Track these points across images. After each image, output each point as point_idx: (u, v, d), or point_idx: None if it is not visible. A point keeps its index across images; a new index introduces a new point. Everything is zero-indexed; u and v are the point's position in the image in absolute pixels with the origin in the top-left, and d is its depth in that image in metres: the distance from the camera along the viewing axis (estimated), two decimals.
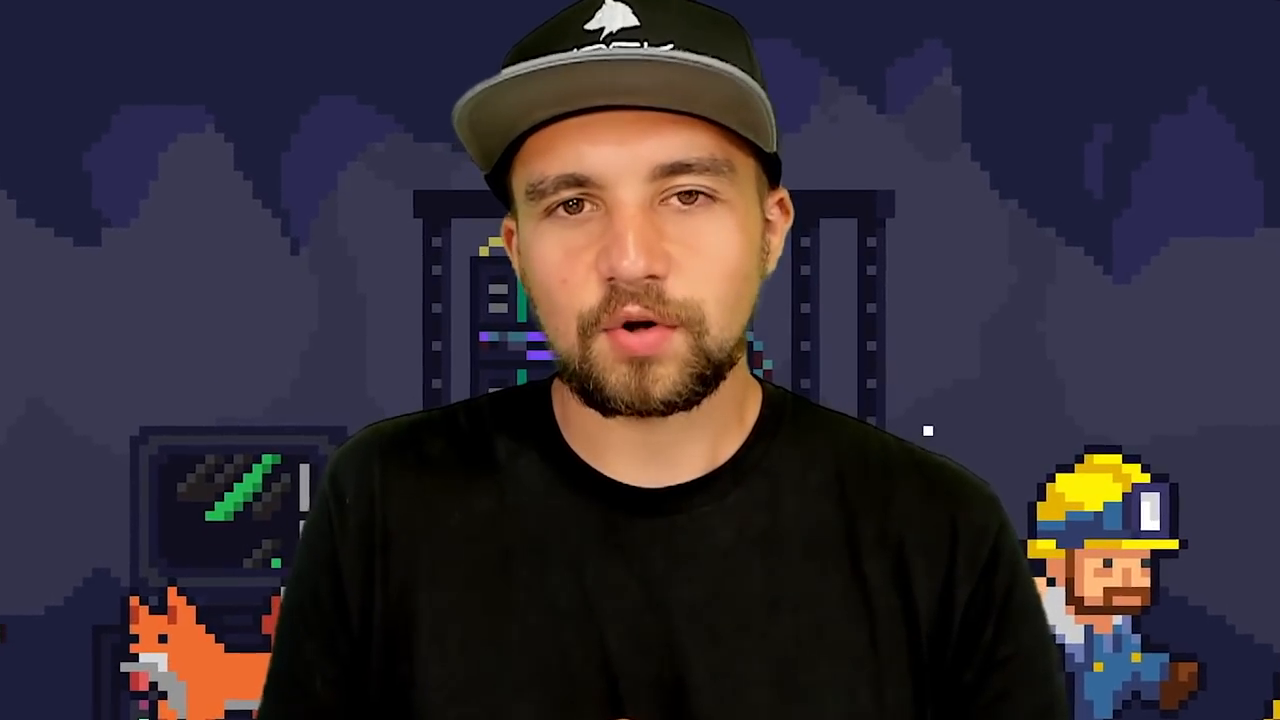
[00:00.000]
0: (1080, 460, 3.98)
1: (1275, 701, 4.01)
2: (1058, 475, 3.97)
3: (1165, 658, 3.97)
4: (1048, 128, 4.20)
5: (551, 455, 1.42)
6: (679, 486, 1.40)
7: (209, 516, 4.00)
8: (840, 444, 1.45)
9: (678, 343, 1.33)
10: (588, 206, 1.34)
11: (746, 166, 1.37)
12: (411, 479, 1.43)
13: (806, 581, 1.39)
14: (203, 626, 3.93)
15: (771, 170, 1.41)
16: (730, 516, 1.40)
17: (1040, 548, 3.96)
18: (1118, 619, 3.95)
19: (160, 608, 3.94)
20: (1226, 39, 4.18)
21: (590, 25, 1.34)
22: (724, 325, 1.35)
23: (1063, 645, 3.95)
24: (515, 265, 1.42)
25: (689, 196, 1.34)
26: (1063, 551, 3.96)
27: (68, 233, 4.23)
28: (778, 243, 1.43)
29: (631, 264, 1.31)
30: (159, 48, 4.19)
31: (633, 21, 1.34)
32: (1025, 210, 4.23)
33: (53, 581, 4.18)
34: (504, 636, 1.38)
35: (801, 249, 4.08)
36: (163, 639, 3.92)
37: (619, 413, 1.35)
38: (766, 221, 1.41)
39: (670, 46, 1.33)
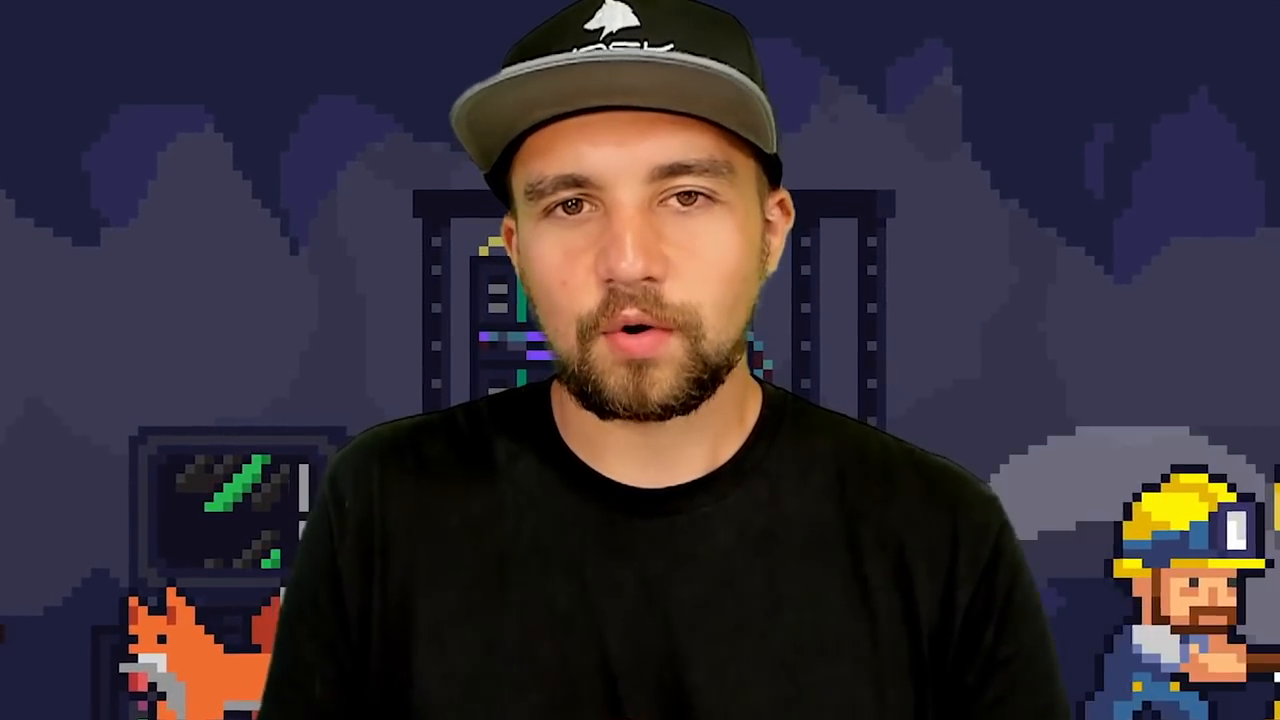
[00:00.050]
0: (1166, 480, 3.98)
1: (1276, 703, 4.02)
2: (1144, 494, 3.97)
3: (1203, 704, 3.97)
4: (1048, 127, 4.20)
5: (551, 456, 1.42)
6: (679, 487, 1.40)
7: (208, 508, 4.00)
8: (840, 445, 1.44)
9: (674, 346, 1.33)
10: (586, 207, 1.34)
11: (746, 167, 1.37)
12: (410, 481, 1.43)
13: (807, 582, 1.39)
14: (202, 627, 3.93)
15: (772, 171, 1.41)
16: (730, 517, 1.39)
17: (1126, 567, 3.97)
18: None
19: (159, 608, 3.94)
20: (1227, 39, 4.18)
21: (590, 25, 1.34)
22: (721, 329, 1.34)
23: (1157, 664, 3.96)
24: (515, 264, 1.41)
25: (688, 198, 1.34)
26: (1149, 571, 3.96)
27: (67, 232, 4.23)
28: (778, 244, 1.42)
29: (629, 265, 1.31)
30: (158, 47, 4.20)
31: (633, 21, 1.34)
32: (1026, 210, 4.23)
33: (52, 582, 4.18)
34: (503, 638, 1.38)
35: (802, 249, 4.08)
36: (162, 639, 3.92)
37: (617, 415, 1.35)
38: (767, 222, 1.40)
39: (670, 47, 1.32)
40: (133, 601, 3.94)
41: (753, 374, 1.46)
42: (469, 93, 1.31)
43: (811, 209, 3.87)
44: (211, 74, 4.21)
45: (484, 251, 4.08)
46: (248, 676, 3.89)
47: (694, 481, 1.40)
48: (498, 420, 1.45)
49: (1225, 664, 3.97)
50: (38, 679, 4.15)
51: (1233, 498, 3.96)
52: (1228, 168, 4.21)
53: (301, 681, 1.43)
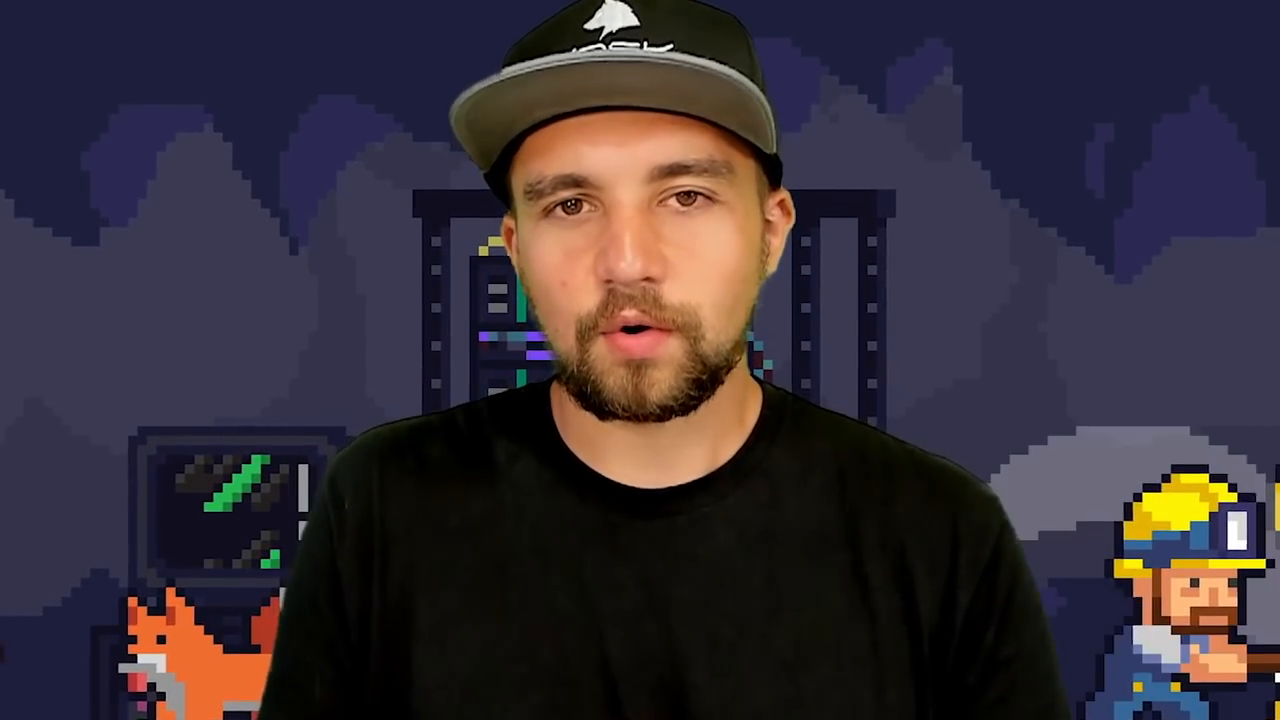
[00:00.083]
0: (1167, 480, 3.97)
1: (1277, 703, 4.02)
2: (1145, 495, 3.97)
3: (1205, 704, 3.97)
4: (1049, 127, 4.20)
5: (551, 457, 1.42)
6: (679, 487, 1.40)
7: (207, 508, 3.99)
8: (841, 445, 1.44)
9: (673, 347, 1.33)
10: (586, 207, 1.33)
11: (746, 168, 1.37)
12: (410, 482, 1.43)
13: (807, 582, 1.39)
14: (201, 627, 3.93)
15: (772, 171, 1.41)
16: (730, 517, 1.39)
17: (1127, 567, 3.97)
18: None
19: (159, 608, 3.93)
20: (1228, 38, 4.18)
21: (590, 25, 1.34)
22: (720, 329, 1.34)
23: (1158, 664, 3.96)
24: (515, 264, 1.41)
25: (687, 198, 1.33)
26: (1149, 571, 3.96)
27: (66, 232, 4.23)
28: (778, 244, 1.43)
29: (628, 266, 1.31)
30: (158, 47, 4.19)
31: (632, 21, 1.34)
32: (1026, 210, 4.23)
33: (51, 582, 4.18)
34: (503, 638, 1.38)
35: (802, 249, 4.08)
36: (161, 640, 3.92)
37: (616, 416, 1.35)
38: (767, 222, 1.40)
39: (670, 47, 1.32)
40: (132, 602, 3.94)
41: (753, 374, 1.46)
42: (468, 92, 1.31)
43: (812, 209, 3.86)
44: (211, 74, 4.21)
45: (484, 251, 4.07)
46: (247, 677, 3.89)
47: (694, 482, 1.40)
48: (497, 421, 1.45)
49: (1226, 664, 3.96)
50: (37, 680, 4.15)
51: (1233, 498, 3.96)
52: (1228, 168, 4.20)
53: (301, 682, 1.43)
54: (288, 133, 4.25)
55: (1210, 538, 3.95)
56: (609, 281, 1.32)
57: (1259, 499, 3.98)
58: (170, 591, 3.93)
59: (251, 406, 4.17)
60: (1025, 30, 4.20)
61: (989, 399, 4.21)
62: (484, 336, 4.07)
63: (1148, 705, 3.96)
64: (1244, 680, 3.97)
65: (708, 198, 1.34)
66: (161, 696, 3.93)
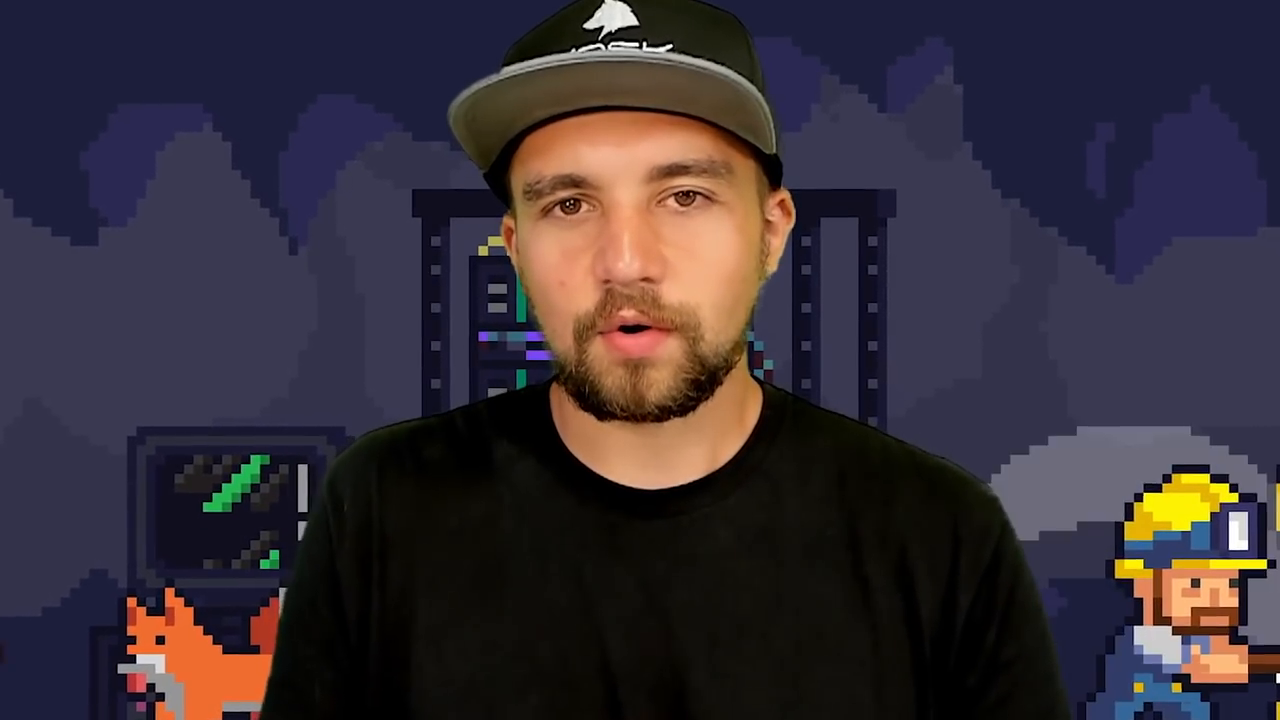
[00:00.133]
0: (1168, 480, 3.97)
1: (1278, 704, 4.02)
2: (1146, 495, 3.97)
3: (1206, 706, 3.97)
4: (1050, 127, 4.20)
5: (550, 458, 1.42)
6: (679, 488, 1.40)
7: (207, 508, 3.99)
8: (841, 446, 1.44)
9: (672, 347, 1.33)
10: (585, 207, 1.33)
11: (746, 168, 1.36)
12: (409, 485, 1.43)
13: (807, 583, 1.38)
14: (200, 628, 3.93)
15: (772, 171, 1.40)
16: (730, 518, 1.39)
17: (1128, 567, 3.97)
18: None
19: (158, 609, 3.93)
20: (1229, 38, 4.18)
21: (589, 24, 1.34)
22: (720, 330, 1.34)
23: (1159, 665, 3.96)
24: (515, 263, 1.41)
25: (686, 198, 1.33)
26: (1150, 571, 3.95)
27: (65, 232, 4.23)
28: (778, 244, 1.42)
29: (626, 266, 1.30)
30: (157, 46, 4.19)
31: (632, 21, 1.33)
32: (1027, 209, 4.23)
33: (50, 583, 4.18)
34: (502, 640, 1.38)
35: (802, 248, 4.08)
36: (160, 640, 3.91)
37: (614, 416, 1.34)
38: (767, 223, 1.40)
39: (669, 47, 1.32)
40: (131, 602, 3.94)
41: (753, 374, 1.46)
42: (467, 92, 1.30)
43: (812, 208, 3.86)
44: (210, 73, 4.21)
45: (483, 251, 4.07)
46: (246, 677, 3.89)
47: (694, 482, 1.40)
48: (497, 423, 1.45)
49: (1227, 665, 3.96)
50: (36, 680, 4.14)
51: (1234, 498, 3.95)
52: (1229, 167, 4.20)
53: (301, 685, 1.43)
54: (287, 132, 4.25)
55: (1211, 538, 3.94)
56: (607, 282, 1.31)
57: (1260, 499, 3.98)
58: (169, 592, 3.93)
59: (251, 406, 4.17)
60: (1026, 30, 4.20)
61: (989, 399, 4.21)
62: (484, 336, 4.07)
63: (1149, 706, 3.96)
64: (1245, 681, 3.97)
65: (707, 198, 1.33)
66: (160, 697, 3.93)
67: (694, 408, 1.35)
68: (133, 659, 3.93)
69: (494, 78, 1.30)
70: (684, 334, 1.33)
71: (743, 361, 1.41)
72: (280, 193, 4.27)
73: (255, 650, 3.92)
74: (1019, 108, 4.20)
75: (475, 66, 1.36)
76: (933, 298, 4.18)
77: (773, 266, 1.42)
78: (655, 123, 1.32)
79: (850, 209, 4.07)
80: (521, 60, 1.30)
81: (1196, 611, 3.95)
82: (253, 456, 4.01)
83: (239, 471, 4.01)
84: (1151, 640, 3.96)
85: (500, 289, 4.05)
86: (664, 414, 1.34)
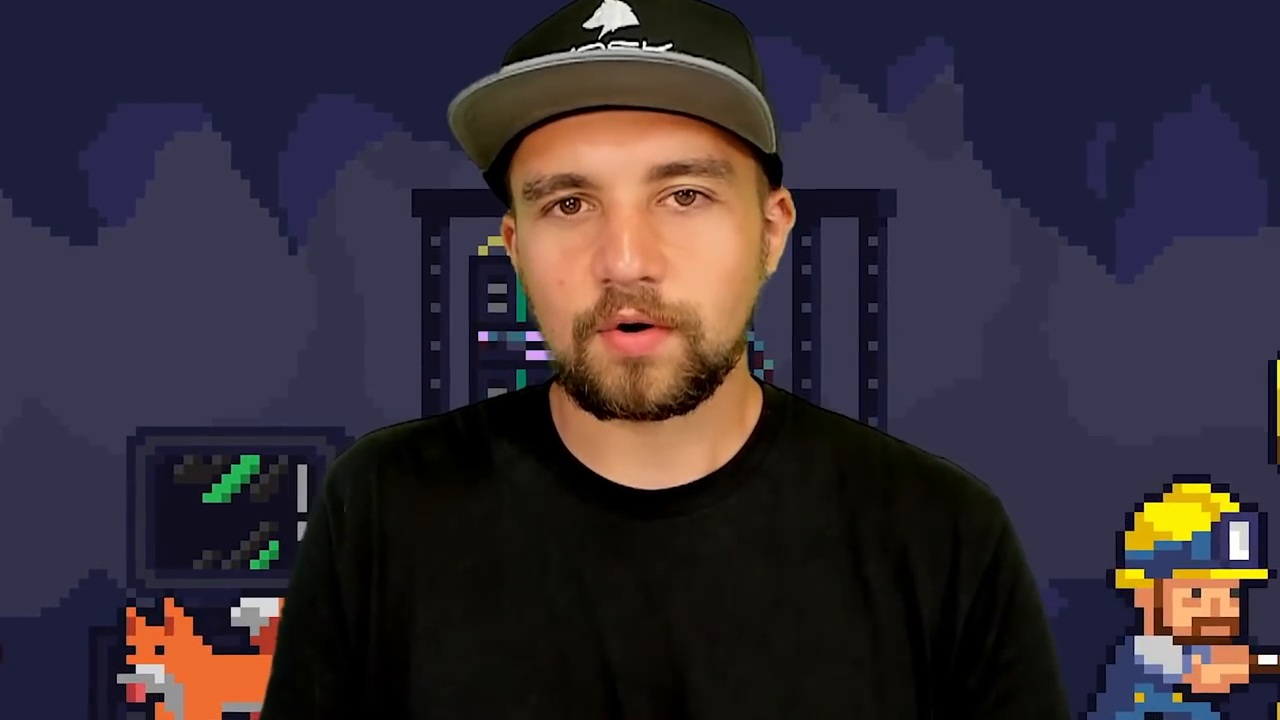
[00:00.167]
0: (1169, 490, 3.97)
1: (1278, 704, 4.01)
2: (1146, 505, 3.97)
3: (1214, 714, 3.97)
4: (1050, 126, 4.19)
5: (550, 458, 1.42)
6: (679, 488, 1.39)
7: (206, 499, 3.99)
8: (841, 446, 1.44)
9: (673, 346, 1.33)
10: (584, 206, 1.33)
11: (746, 167, 1.36)
12: (409, 486, 1.42)
13: (807, 584, 1.38)
14: (200, 638, 3.92)
15: (772, 171, 1.40)
16: (731, 519, 1.39)
17: (1129, 577, 3.96)
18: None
19: (157, 618, 3.93)
20: (1230, 37, 4.18)
21: (589, 24, 1.33)
22: (721, 329, 1.34)
23: (1160, 675, 3.95)
24: (514, 263, 1.41)
25: (686, 197, 1.33)
26: (1151, 581, 3.95)
27: (64, 232, 4.23)
28: (778, 244, 1.42)
29: (626, 266, 1.30)
30: (156, 46, 4.19)
31: (631, 20, 1.33)
32: (1028, 209, 4.23)
33: (49, 583, 4.17)
34: (502, 640, 1.37)
35: (802, 248, 4.08)
36: (159, 650, 3.91)
37: (614, 415, 1.34)
38: (767, 222, 1.40)
39: (669, 46, 1.32)
40: (130, 612, 3.94)
41: (753, 374, 1.45)
42: (466, 91, 1.30)
43: (812, 208, 3.86)
44: (210, 73, 4.21)
45: (483, 251, 4.07)
46: (246, 679, 3.88)
47: (694, 482, 1.40)
48: (496, 423, 1.45)
49: (1228, 667, 3.96)
50: (35, 680, 4.14)
51: (1235, 507, 3.95)
52: (1230, 167, 4.20)
53: (301, 687, 1.43)
54: (286, 132, 4.24)
55: (1212, 548, 3.94)
56: (607, 281, 1.31)
57: (1261, 508, 3.98)
58: (169, 602, 3.93)
59: (250, 406, 4.17)
60: (1026, 29, 4.20)
61: (990, 399, 4.21)
62: (483, 336, 4.06)
63: (1150, 717, 3.96)
64: (1246, 681, 3.96)
65: (707, 197, 1.33)
66: (160, 698, 3.93)
67: (694, 406, 1.35)
68: (132, 669, 3.93)
69: (493, 77, 1.30)
70: (684, 332, 1.32)
71: (743, 361, 1.40)
72: (280, 192, 4.26)
73: (255, 651, 3.91)
74: (1019, 107, 4.20)
75: (475, 66, 1.35)
76: (933, 298, 4.18)
77: (773, 266, 1.42)
78: (655, 122, 1.31)
79: (850, 209, 4.06)
80: (521, 60, 1.30)
81: (1197, 621, 3.95)
82: (252, 457, 4.01)
83: (239, 462, 4.00)
84: (1152, 650, 3.96)
85: (500, 289, 4.05)
86: (664, 412, 1.34)
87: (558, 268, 1.33)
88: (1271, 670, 3.97)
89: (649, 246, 1.31)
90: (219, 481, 4.00)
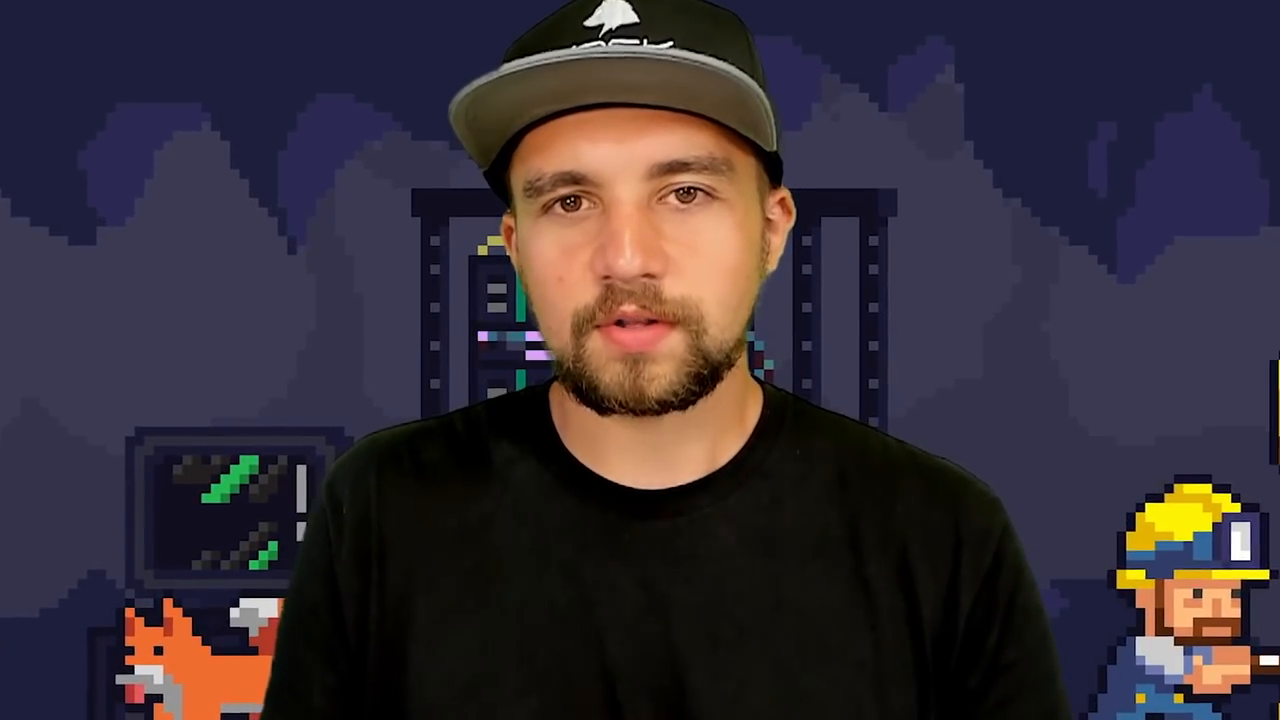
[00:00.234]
0: (1170, 490, 3.97)
1: (1278, 705, 4.01)
2: (1147, 505, 3.97)
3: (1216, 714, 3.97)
4: (1051, 126, 4.19)
5: (550, 458, 1.42)
6: (679, 488, 1.40)
7: (205, 499, 3.98)
8: (841, 446, 1.44)
9: (675, 341, 1.33)
10: (585, 204, 1.33)
11: (746, 165, 1.37)
12: (408, 487, 1.43)
13: (808, 584, 1.38)
14: (199, 639, 3.92)
15: (773, 169, 1.41)
16: (731, 518, 1.39)
17: (1130, 578, 3.96)
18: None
19: (156, 619, 3.93)
20: (1231, 36, 4.17)
21: (590, 22, 1.34)
22: (724, 325, 1.34)
23: (1161, 675, 3.95)
24: (514, 263, 1.41)
25: (687, 195, 1.33)
26: (1152, 582, 3.95)
27: (63, 232, 4.22)
28: (779, 242, 1.43)
29: (627, 263, 1.30)
30: (155, 45, 4.19)
31: (632, 18, 1.34)
32: (1029, 209, 4.22)
33: (47, 583, 4.17)
34: (501, 640, 1.37)
35: (803, 248, 4.07)
36: (158, 651, 3.91)
37: (614, 411, 1.34)
38: (767, 221, 1.40)
39: (670, 44, 1.32)
40: (129, 613, 3.94)
41: (753, 374, 1.46)
42: (467, 88, 1.31)
43: (812, 208, 3.86)
44: (209, 72, 4.20)
45: (483, 251, 4.07)
46: (245, 680, 3.88)
47: (694, 482, 1.40)
48: (496, 424, 1.45)
49: (1230, 674, 3.96)
50: (33, 681, 4.14)
51: (1237, 508, 3.95)
52: (1232, 166, 4.20)
53: (300, 688, 1.43)
54: (286, 131, 4.24)
55: (1213, 548, 3.94)
56: (607, 278, 1.32)
57: (1263, 508, 3.97)
58: (168, 603, 3.93)
59: (249, 407, 4.16)
60: (1027, 28, 4.20)
61: (990, 399, 4.21)
62: (483, 336, 4.06)
63: (1151, 718, 3.95)
64: (1247, 682, 3.96)
65: (707, 194, 1.33)
66: (159, 698, 3.92)
67: (694, 402, 1.35)
68: (131, 670, 3.93)
69: (494, 74, 1.30)
70: (687, 327, 1.32)
71: (743, 360, 1.41)
72: (279, 192, 4.26)
73: (254, 651, 3.91)
74: (1020, 107, 4.20)
75: (475, 66, 1.35)
76: (934, 297, 4.17)
77: (773, 265, 1.42)
78: (656, 119, 1.32)
79: (851, 208, 4.06)
80: (522, 58, 1.30)
81: (1199, 622, 3.95)
82: (250, 457, 4.00)
83: (238, 462, 4.00)
84: (1153, 651, 3.96)
85: (500, 289, 4.05)
86: (664, 408, 1.34)
87: (557, 264, 1.33)
88: (1273, 671, 3.97)
89: (650, 243, 1.31)
90: (218, 482, 4.00)
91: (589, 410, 1.36)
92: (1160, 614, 3.96)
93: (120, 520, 4.00)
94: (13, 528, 4.17)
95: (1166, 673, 3.95)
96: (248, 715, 3.90)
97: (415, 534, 1.41)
